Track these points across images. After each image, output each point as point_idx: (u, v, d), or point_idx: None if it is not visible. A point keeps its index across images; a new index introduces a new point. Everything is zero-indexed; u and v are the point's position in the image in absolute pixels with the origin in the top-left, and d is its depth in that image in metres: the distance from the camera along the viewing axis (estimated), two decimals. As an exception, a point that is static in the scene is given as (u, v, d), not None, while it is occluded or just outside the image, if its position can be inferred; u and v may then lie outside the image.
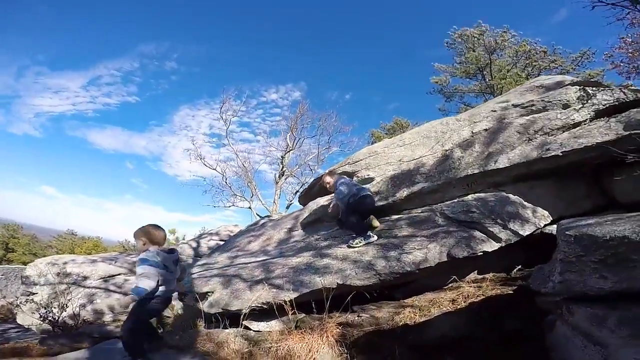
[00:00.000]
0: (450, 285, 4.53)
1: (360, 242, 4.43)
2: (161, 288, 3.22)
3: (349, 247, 4.45)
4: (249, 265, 4.89)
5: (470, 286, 4.23)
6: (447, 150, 5.28)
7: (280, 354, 3.40)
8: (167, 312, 7.20)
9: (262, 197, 19.93)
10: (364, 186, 5.04)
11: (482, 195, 4.87)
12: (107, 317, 7.25)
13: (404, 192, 5.17)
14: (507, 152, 4.79)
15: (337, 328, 3.49)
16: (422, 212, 4.96)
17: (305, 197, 7.81)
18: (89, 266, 8.44)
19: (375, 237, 4.49)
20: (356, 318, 3.80)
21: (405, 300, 4.18)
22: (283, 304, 3.59)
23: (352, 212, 4.67)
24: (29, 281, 8.18)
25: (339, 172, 6.34)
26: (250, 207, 19.61)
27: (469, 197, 4.94)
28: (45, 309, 6.28)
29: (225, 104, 20.49)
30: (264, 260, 5.04)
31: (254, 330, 4.04)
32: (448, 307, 3.72)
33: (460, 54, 18.21)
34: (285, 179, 20.37)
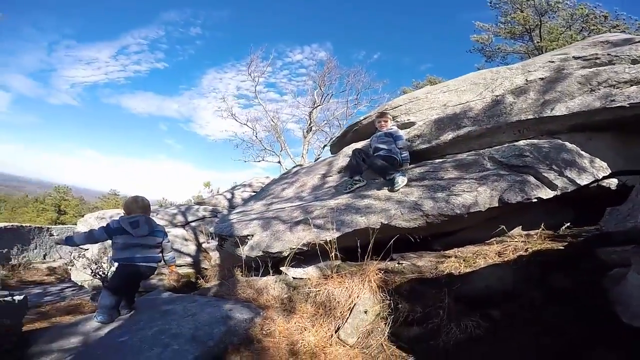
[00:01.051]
0: (493, 239, 4.07)
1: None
2: (122, 254, 3.12)
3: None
4: (286, 208, 4.59)
5: (517, 240, 3.78)
6: (497, 96, 4.71)
7: (319, 299, 3.14)
8: (205, 264, 7.16)
9: (291, 153, 19.73)
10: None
11: (534, 141, 4.31)
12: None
13: (448, 135, 4.66)
14: (566, 100, 4.22)
15: (378, 274, 3.16)
16: (468, 155, 4.44)
17: (338, 144, 7.41)
18: None
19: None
20: (396, 265, 3.44)
21: (447, 252, 3.77)
22: (324, 245, 3.28)
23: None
24: None
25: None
26: (279, 162, 19.52)
27: (520, 142, 4.38)
28: (95, 264, 6.27)
29: (252, 62, 19.88)
30: (301, 204, 4.73)
31: (292, 277, 3.80)
32: (494, 260, 3.31)
33: (506, 14, 16.54)
34: (313, 134, 20.02)
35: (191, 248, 7.74)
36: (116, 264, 3.23)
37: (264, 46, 25.31)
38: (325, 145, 19.72)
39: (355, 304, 2.89)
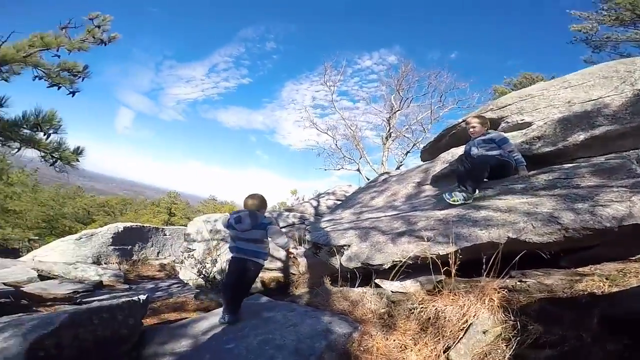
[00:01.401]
0: (637, 257, 3.26)
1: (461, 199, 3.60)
2: (230, 248, 3.35)
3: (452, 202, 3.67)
4: (382, 218, 4.22)
5: None
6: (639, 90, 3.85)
7: (424, 316, 2.71)
8: (293, 269, 7.14)
9: (370, 160, 19.23)
10: None
11: None
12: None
13: (579, 136, 3.90)
14: None
15: (499, 292, 2.64)
16: (607, 159, 3.64)
17: (431, 150, 6.81)
18: None
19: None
20: (518, 283, 2.88)
21: (579, 269, 3.10)
22: (435, 259, 2.87)
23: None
24: (190, 238, 8.56)
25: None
26: (358, 170, 19.14)
27: None
28: (200, 264, 6.55)
29: (326, 71, 19.64)
30: (397, 214, 4.33)
31: (391, 291, 3.42)
32: None
33: (607, 0, 14.19)
34: (393, 140, 19.10)
35: (281, 253, 7.77)
36: None
37: (336, 55, 25.29)
38: (408, 152, 18.90)
39: (471, 324, 2.43)
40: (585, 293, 2.53)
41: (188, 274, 7.44)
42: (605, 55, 15.84)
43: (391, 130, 18.94)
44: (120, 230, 12.35)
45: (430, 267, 2.93)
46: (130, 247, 12.50)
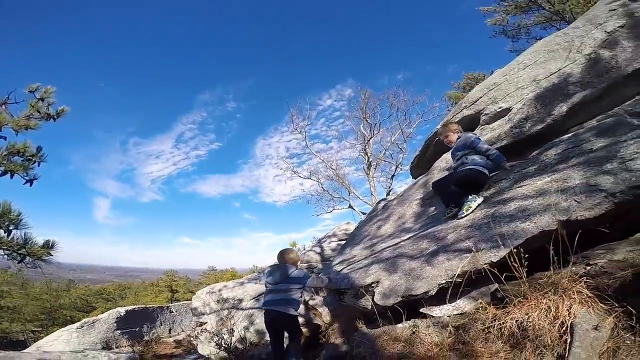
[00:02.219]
0: None
1: (471, 205, 3.33)
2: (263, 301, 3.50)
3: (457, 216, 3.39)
4: (402, 244, 3.77)
5: None
6: (590, 55, 3.90)
7: (505, 332, 2.20)
8: (316, 321, 6.50)
9: (359, 194, 18.86)
10: None
11: None
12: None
13: (562, 108, 3.76)
14: None
15: (577, 282, 2.18)
16: (599, 121, 3.48)
17: (420, 164, 6.57)
18: (240, 289, 8.14)
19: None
20: (588, 268, 2.48)
21: (637, 236, 2.76)
22: (488, 269, 2.43)
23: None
24: (197, 312, 8.07)
25: (457, 119, 5.03)
26: (350, 206, 18.62)
27: None
28: (217, 336, 6.06)
29: (294, 118, 19.40)
30: (414, 235, 3.90)
31: (444, 317, 2.88)
32: None
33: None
34: (375, 168, 18.88)
35: (300, 308, 7.24)
36: None
37: (298, 100, 25.37)
38: (393, 175, 18.62)
39: (572, 324, 1.97)
40: None
41: (207, 348, 6.96)
42: (524, 42, 16.88)
43: (370, 159, 18.69)
44: (122, 314, 11.61)
45: (490, 275, 2.50)
46: (138, 328, 11.75)
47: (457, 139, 3.91)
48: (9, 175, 4.29)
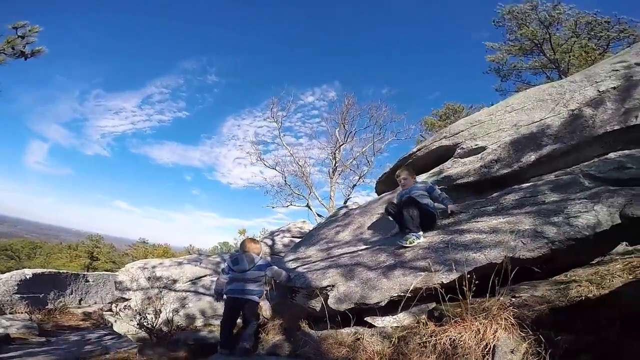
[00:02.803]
0: (597, 260, 3.81)
1: (414, 241, 3.71)
2: (226, 288, 3.87)
3: (402, 246, 3.75)
4: (361, 253, 4.16)
5: (631, 257, 3.45)
6: (573, 110, 4.46)
7: (439, 348, 2.63)
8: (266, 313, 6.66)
9: (318, 195, 19.34)
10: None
11: (626, 152, 4.04)
12: (199, 322, 6.59)
13: (530, 157, 4.34)
14: None
15: (504, 311, 2.71)
16: (557, 177, 4.08)
17: (387, 181, 7.00)
18: (177, 269, 7.89)
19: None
20: (513, 299, 3.01)
21: (556, 278, 3.35)
22: (437, 288, 2.81)
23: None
24: (122, 286, 7.73)
25: (435, 147, 5.57)
26: (308, 206, 19.06)
27: (611, 155, 4.09)
28: (140, 315, 5.90)
29: (273, 107, 20.16)
30: (371, 247, 4.30)
31: (387, 327, 3.28)
32: (628, 278, 2.91)
33: (511, 31, 16.70)
34: (340, 174, 19.57)
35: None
36: None
37: (283, 89, 25.42)
38: (354, 185, 19.43)
39: (494, 345, 2.41)
40: (582, 298, 2.71)
41: (125, 325, 6.67)
42: (511, 84, 18.42)
43: (337, 164, 19.45)
44: (28, 277, 10.95)
45: (415, 298, 2.96)
46: (43, 294, 11.14)
47: (414, 183, 4.44)
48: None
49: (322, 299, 3.60)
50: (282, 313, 5.46)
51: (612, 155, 4.06)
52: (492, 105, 5.57)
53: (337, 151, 19.50)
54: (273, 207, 19.88)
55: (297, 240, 10.29)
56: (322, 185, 19.93)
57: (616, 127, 4.07)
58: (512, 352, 2.34)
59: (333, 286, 3.62)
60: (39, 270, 11.78)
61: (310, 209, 18.75)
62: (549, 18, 15.10)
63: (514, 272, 2.65)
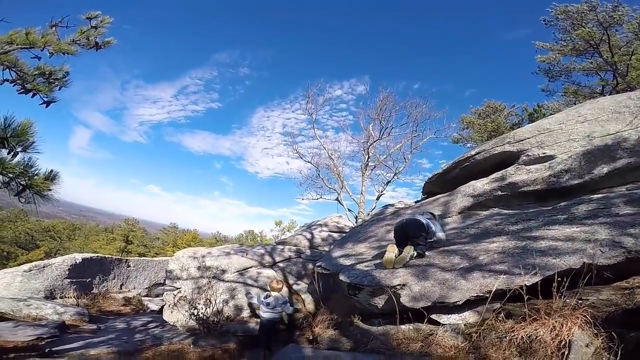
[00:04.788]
0: None
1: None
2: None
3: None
4: (430, 254, 4.44)
5: None
6: None
7: (515, 342, 2.96)
8: (298, 307, 6.98)
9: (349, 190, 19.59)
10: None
11: None
12: (245, 313, 6.89)
13: (603, 169, 4.53)
14: None
15: (575, 311, 2.95)
16: (629, 190, 4.26)
17: (438, 182, 7.28)
18: (225, 259, 8.16)
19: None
20: (579, 302, 3.24)
21: (619, 284, 3.57)
22: (519, 289, 3.10)
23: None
24: (173, 275, 7.94)
25: (497, 152, 5.79)
26: (338, 199, 19.37)
27: None
28: (190, 304, 6.20)
29: (310, 98, 20.32)
30: (436, 248, 4.59)
31: (459, 324, 3.58)
32: None
33: (565, 31, 16.25)
34: (372, 170, 19.72)
35: (283, 290, 7.66)
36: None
37: (319, 82, 25.56)
38: (389, 182, 19.58)
39: (570, 340, 2.74)
40: None
41: (175, 314, 6.98)
42: (559, 84, 17.98)
43: (369, 160, 19.53)
44: (78, 261, 11.29)
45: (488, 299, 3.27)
46: (89, 279, 11.55)
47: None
48: (30, 94, 4.51)
49: (394, 297, 3.87)
50: (329, 308, 5.68)
51: (685, 172, 4.17)
52: (557, 112, 5.63)
53: (371, 146, 19.55)
54: (303, 199, 20.30)
55: (335, 234, 10.62)
56: (348, 179, 20.08)
57: (693, 146, 4.16)
58: (587, 346, 2.68)
59: (404, 285, 3.88)
60: (87, 255, 12.17)
61: (341, 203, 19.06)
62: (608, 19, 14.61)
63: (586, 278, 2.96)
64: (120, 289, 12.76)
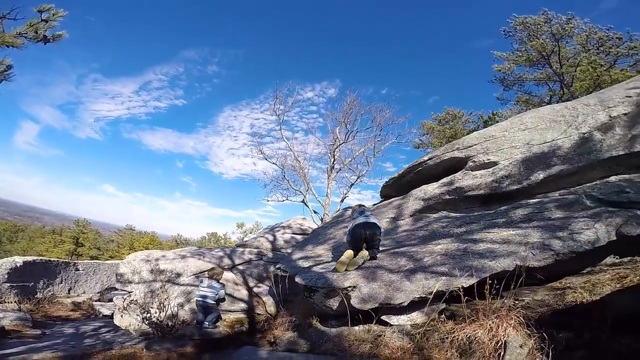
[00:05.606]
0: (587, 269, 4.55)
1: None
2: None
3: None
4: (379, 255, 4.60)
5: (619, 268, 4.16)
6: (584, 134, 4.94)
7: (456, 343, 3.16)
8: (259, 310, 6.99)
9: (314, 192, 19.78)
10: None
11: (626, 176, 4.61)
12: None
13: (539, 175, 4.87)
14: None
15: (512, 312, 3.17)
16: (562, 195, 4.62)
17: (394, 186, 7.54)
18: (180, 262, 8.06)
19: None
20: (516, 302, 3.50)
21: (551, 284, 4.02)
22: (456, 290, 3.32)
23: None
24: (124, 279, 7.74)
25: (447, 158, 6.09)
26: (303, 201, 19.48)
27: (612, 178, 4.65)
28: (142, 308, 6.03)
29: (277, 99, 20.25)
30: (387, 250, 4.79)
31: (405, 325, 3.77)
32: (615, 286, 3.61)
33: (521, 42, 17.29)
34: (338, 172, 20.01)
35: (243, 293, 7.57)
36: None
37: (287, 84, 25.29)
38: (352, 185, 19.92)
39: (505, 341, 2.93)
40: (577, 303, 3.29)
41: (127, 319, 6.89)
42: (513, 93, 19.15)
43: (335, 162, 19.82)
44: (19, 264, 10.68)
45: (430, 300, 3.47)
46: (32, 283, 11.00)
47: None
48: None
49: (345, 299, 3.99)
50: (289, 310, 5.76)
51: (612, 178, 4.60)
52: (501, 120, 6.01)
53: (336, 149, 19.86)
54: (268, 201, 20.25)
55: (298, 237, 10.69)
56: (314, 181, 20.29)
57: (621, 153, 4.57)
58: (521, 346, 2.88)
59: (355, 287, 4.02)
60: (30, 258, 11.55)
61: (306, 205, 19.16)
62: (561, 31, 15.67)
63: (520, 279, 3.17)
64: (69, 293, 12.32)
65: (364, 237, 4.66)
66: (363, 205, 5.78)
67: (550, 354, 2.68)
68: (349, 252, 4.61)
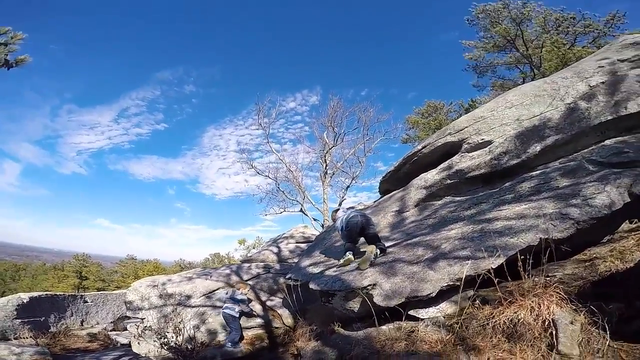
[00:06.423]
0: (606, 238, 4.19)
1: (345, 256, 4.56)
2: None
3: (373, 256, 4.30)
4: (393, 250, 4.36)
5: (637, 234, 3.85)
6: (570, 104, 4.92)
7: (499, 328, 2.85)
8: (276, 323, 6.85)
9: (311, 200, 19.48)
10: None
11: (620, 138, 4.55)
12: (221, 337, 6.49)
13: (536, 147, 4.77)
14: (634, 99, 4.57)
15: (547, 289, 2.88)
16: (562, 164, 4.51)
17: (392, 180, 7.36)
18: (188, 284, 7.79)
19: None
20: (547, 279, 3.22)
21: (578, 257, 3.73)
22: (488, 273, 3.03)
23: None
24: (133, 306, 7.51)
25: (440, 144, 5.96)
26: (302, 210, 19.12)
27: (607, 142, 4.58)
28: (159, 334, 5.80)
29: (260, 112, 19.90)
30: (399, 242, 4.53)
31: (438, 318, 3.44)
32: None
33: (485, 29, 17.51)
34: (331, 177, 19.70)
35: (257, 307, 7.27)
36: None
37: (269, 95, 24.85)
38: (348, 187, 19.64)
39: (553, 319, 2.66)
40: (612, 272, 3.07)
41: (145, 346, 6.55)
42: (487, 79, 19.31)
43: (327, 167, 19.49)
44: (25, 301, 10.42)
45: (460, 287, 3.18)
46: (44, 318, 10.71)
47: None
48: None
49: (367, 299, 3.66)
50: (308, 319, 5.48)
51: (607, 142, 4.53)
52: (473, 100, 5.94)
53: (327, 154, 19.56)
54: (266, 215, 19.81)
55: (302, 245, 10.38)
56: (310, 189, 20.02)
57: (609, 118, 4.55)
58: (571, 323, 2.60)
59: (375, 284, 3.70)
60: (35, 294, 11.35)
61: (305, 214, 18.77)
62: (520, 15, 15.93)
63: (547, 253, 2.90)
64: (82, 325, 11.87)
65: (360, 225, 4.57)
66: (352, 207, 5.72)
67: (607, 327, 2.42)
68: (349, 252, 4.61)
